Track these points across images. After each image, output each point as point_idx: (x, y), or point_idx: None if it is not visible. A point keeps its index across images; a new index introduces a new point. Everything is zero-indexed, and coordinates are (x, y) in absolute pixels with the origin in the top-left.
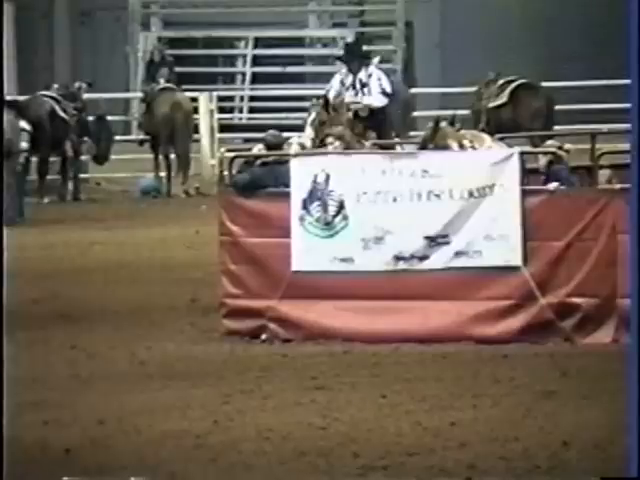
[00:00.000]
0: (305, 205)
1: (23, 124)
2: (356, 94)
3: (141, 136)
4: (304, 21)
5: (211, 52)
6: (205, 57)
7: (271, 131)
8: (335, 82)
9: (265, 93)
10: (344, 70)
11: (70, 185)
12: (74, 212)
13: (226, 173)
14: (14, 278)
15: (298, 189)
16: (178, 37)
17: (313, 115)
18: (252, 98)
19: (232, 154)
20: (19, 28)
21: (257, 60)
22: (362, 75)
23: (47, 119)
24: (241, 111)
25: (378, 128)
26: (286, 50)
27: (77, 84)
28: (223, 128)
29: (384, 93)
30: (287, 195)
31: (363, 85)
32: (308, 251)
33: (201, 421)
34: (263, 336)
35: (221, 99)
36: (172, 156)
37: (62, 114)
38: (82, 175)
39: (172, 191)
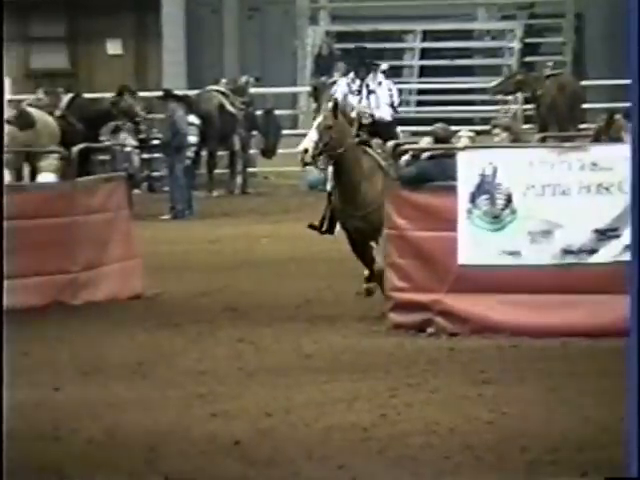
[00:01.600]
0: (472, 198)
1: (192, 119)
2: (360, 100)
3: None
4: (473, 14)
5: (379, 45)
6: (373, 50)
7: (440, 124)
8: (342, 85)
9: (433, 86)
10: (351, 75)
11: (238, 179)
12: (242, 206)
13: (393, 166)
14: (183, 271)
15: (465, 182)
16: (346, 31)
17: (320, 118)
18: (420, 91)
19: (399, 148)
20: (189, 24)
21: (425, 53)
22: (370, 81)
23: (216, 113)
24: (409, 104)
25: (382, 135)
26: (454, 43)
27: (244, 78)
28: None
29: (392, 106)
30: (454, 188)
31: (370, 92)
32: (475, 244)
33: (368, 414)
34: (429, 329)
35: None
36: None
37: (230, 108)
38: (250, 169)
39: None
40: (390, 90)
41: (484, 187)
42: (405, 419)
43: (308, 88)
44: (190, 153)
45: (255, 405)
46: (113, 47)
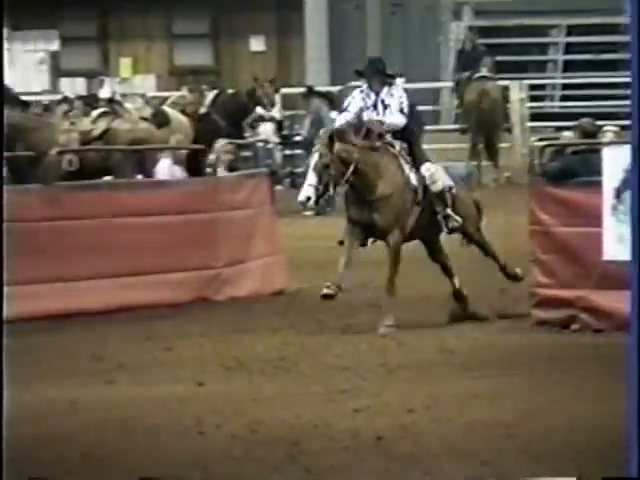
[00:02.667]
0: (617, 194)
1: (335, 115)
2: (377, 114)
3: (460, 125)
4: (619, 7)
5: (523, 40)
6: (516, 45)
7: (586, 119)
8: (357, 99)
9: (578, 81)
10: (365, 87)
11: None
12: None
13: (537, 162)
14: (326, 267)
15: (610, 178)
16: (489, 26)
17: (316, 157)
18: (564, 86)
19: (543, 143)
20: (332, 20)
21: (570, 48)
22: (384, 95)
23: None
24: (553, 99)
25: (405, 139)
26: (600, 37)
27: None
28: (535, 117)
29: (402, 112)
30: (599, 184)
31: (385, 107)
32: (620, 240)
33: (511, 411)
34: (574, 326)
35: (532, 87)
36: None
37: None
38: None
39: (482, 180)
40: (400, 98)
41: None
42: (549, 415)
43: (451, 84)
44: None
45: (397, 401)
46: (256, 44)
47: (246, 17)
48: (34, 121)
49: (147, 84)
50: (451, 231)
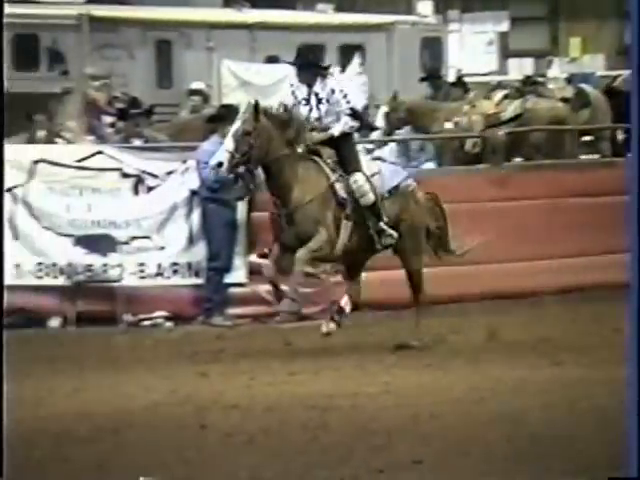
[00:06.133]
0: None
1: None
2: (310, 110)
3: None
4: None
5: None
6: None
7: None
8: (286, 94)
9: None
10: (296, 82)
11: None
12: None
13: None
14: None
15: None
16: None
17: (237, 124)
18: None
19: None
20: None
21: None
22: (318, 88)
23: None
24: None
25: (334, 145)
26: None
27: None
28: None
29: (353, 114)
30: None
31: (319, 100)
32: None
33: None
34: None
35: None
36: None
37: None
38: None
39: None
40: (346, 96)
41: None
42: None
43: None
44: None
45: None
46: None
47: None
48: (425, 104)
49: (596, 63)
50: (385, 247)
